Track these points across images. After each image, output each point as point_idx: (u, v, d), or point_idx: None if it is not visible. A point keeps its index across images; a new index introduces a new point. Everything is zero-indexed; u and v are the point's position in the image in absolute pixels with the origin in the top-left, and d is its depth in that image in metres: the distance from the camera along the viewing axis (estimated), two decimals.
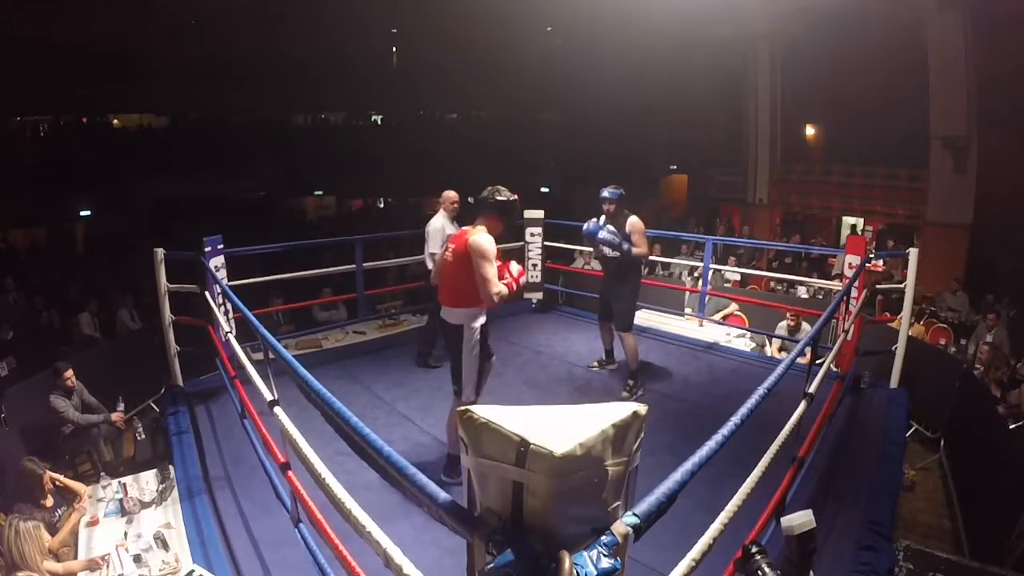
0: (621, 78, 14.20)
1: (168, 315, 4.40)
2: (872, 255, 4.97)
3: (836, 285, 6.33)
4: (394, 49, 15.62)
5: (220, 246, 4.48)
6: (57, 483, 3.28)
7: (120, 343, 6.59)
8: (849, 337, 4.01)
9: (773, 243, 10.85)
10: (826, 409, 3.16)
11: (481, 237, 2.92)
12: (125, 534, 2.95)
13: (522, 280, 3.10)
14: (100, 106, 14.93)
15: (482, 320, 3.10)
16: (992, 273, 8.76)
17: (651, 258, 8.42)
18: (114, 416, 4.48)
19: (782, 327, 5.77)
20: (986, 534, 3.80)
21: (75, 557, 2.87)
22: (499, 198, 3.04)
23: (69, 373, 4.36)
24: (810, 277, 8.33)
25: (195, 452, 3.63)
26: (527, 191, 16.91)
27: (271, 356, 2.60)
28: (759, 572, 1.64)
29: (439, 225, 4.69)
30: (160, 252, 4.30)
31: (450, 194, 4.82)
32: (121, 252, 10.79)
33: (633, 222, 4.27)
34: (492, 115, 18.76)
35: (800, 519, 1.76)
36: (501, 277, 2.95)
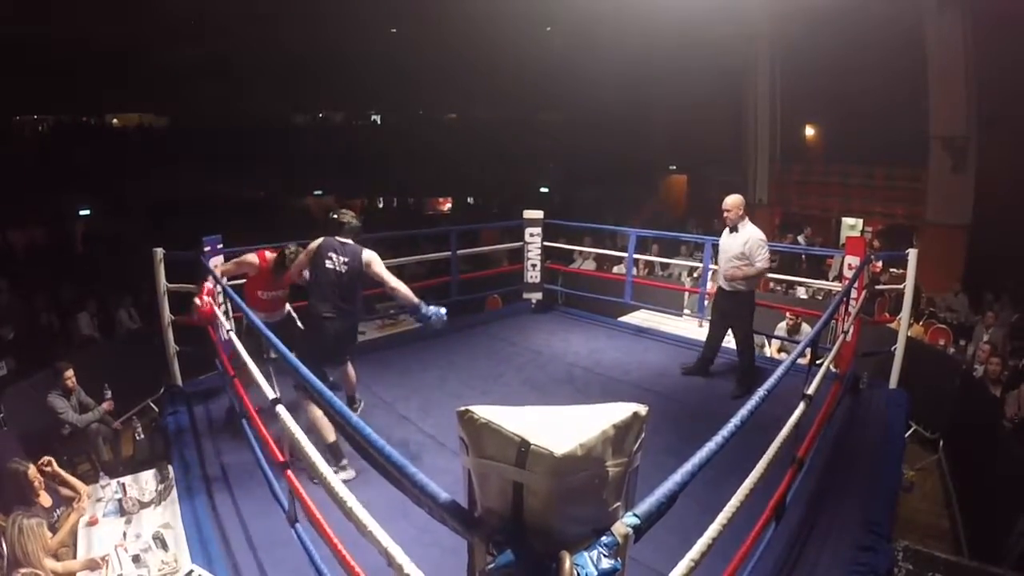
0: (621, 78, 14.21)
1: (167, 315, 4.40)
2: (872, 256, 4.97)
3: (835, 286, 6.33)
4: (393, 49, 15.65)
5: (220, 246, 4.48)
6: (53, 475, 3.27)
7: (119, 343, 6.58)
8: (848, 338, 4.02)
9: (772, 244, 10.83)
10: (825, 409, 3.17)
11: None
12: (124, 534, 2.95)
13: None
14: (100, 106, 14.95)
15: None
16: (992, 273, 8.76)
17: (649, 258, 8.42)
18: (105, 406, 4.50)
19: (781, 327, 5.77)
20: (986, 534, 3.80)
21: (74, 557, 2.87)
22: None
23: (70, 373, 4.36)
24: (808, 277, 8.33)
25: (194, 452, 3.63)
26: (527, 191, 17.05)
27: (272, 355, 2.60)
28: None
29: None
30: (160, 252, 4.30)
31: (726, 201, 4.31)
32: (120, 252, 10.79)
33: (367, 258, 3.43)
34: (492, 115, 18.77)
35: None
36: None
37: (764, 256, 4.21)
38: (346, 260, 3.38)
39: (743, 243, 4.22)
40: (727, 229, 4.34)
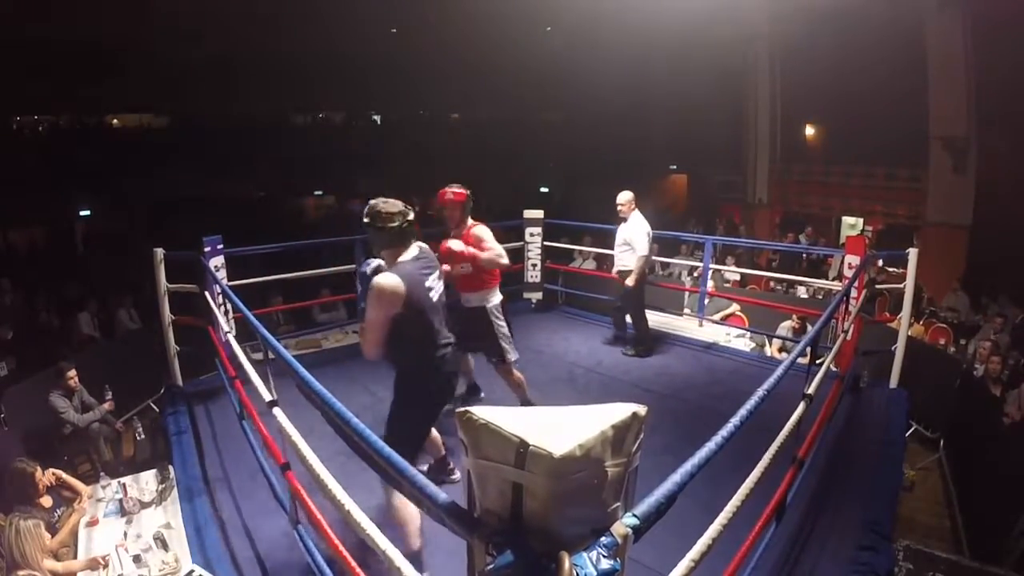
0: (621, 78, 14.21)
1: (168, 315, 4.40)
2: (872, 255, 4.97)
3: (836, 285, 6.32)
4: (393, 49, 15.64)
5: (220, 246, 4.48)
6: (59, 480, 3.29)
7: (119, 343, 6.58)
8: (848, 337, 4.01)
9: (772, 243, 10.85)
10: (826, 409, 3.16)
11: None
12: (125, 534, 2.95)
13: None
14: (100, 106, 14.93)
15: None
16: (992, 273, 8.75)
17: (652, 258, 8.39)
18: (106, 406, 4.51)
19: (785, 327, 5.75)
20: (986, 534, 3.80)
21: (75, 557, 2.88)
22: None
23: (72, 373, 4.37)
24: (809, 277, 8.33)
25: (195, 452, 3.63)
26: (527, 191, 17.03)
27: (271, 356, 2.60)
28: None
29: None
30: (160, 252, 4.30)
31: (619, 196, 4.93)
32: (121, 252, 10.78)
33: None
34: (492, 115, 18.76)
35: None
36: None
37: (643, 244, 4.76)
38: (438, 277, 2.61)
39: (629, 232, 4.82)
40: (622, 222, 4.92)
